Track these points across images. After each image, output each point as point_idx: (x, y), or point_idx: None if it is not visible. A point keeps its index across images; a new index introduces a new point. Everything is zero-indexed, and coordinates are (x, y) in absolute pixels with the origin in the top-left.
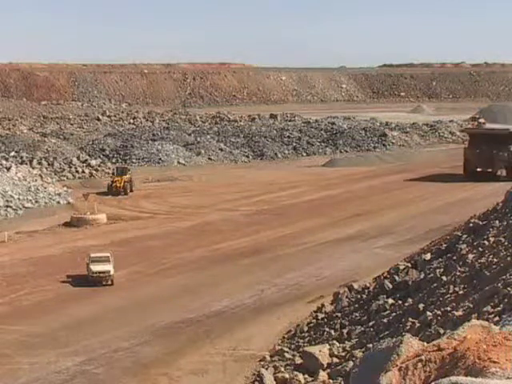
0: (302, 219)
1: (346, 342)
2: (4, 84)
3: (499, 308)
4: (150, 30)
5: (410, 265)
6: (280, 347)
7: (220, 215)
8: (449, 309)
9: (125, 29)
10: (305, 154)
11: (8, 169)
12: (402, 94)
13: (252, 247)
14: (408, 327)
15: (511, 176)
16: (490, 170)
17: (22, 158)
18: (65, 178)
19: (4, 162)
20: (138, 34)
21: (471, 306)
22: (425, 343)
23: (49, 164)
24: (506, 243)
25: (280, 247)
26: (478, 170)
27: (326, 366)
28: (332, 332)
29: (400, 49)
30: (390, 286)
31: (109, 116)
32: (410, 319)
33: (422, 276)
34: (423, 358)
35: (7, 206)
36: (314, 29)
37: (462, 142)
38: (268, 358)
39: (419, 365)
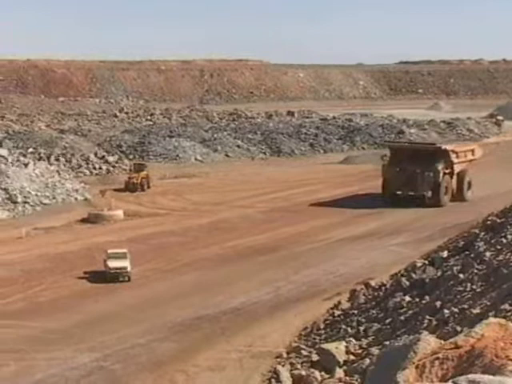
0: (317, 217)
1: (363, 339)
2: (22, 81)
3: None
4: (167, 27)
5: (427, 262)
6: (296, 344)
7: (236, 212)
8: (466, 306)
9: (142, 25)
10: (322, 151)
11: (26, 165)
12: (420, 90)
13: (268, 244)
14: (425, 325)
15: (438, 199)
16: (412, 192)
17: (39, 154)
18: (82, 175)
19: (22, 158)
20: (155, 30)
21: (488, 303)
22: (442, 341)
23: (66, 160)
24: None
25: (296, 244)
26: (399, 192)
27: (342, 363)
28: (348, 329)
29: (418, 46)
30: (407, 284)
31: (126, 113)
32: (427, 317)
33: (439, 273)
34: (440, 355)
35: (25, 202)
36: (332, 26)
37: (480, 138)
38: (284, 355)
39: (436, 362)
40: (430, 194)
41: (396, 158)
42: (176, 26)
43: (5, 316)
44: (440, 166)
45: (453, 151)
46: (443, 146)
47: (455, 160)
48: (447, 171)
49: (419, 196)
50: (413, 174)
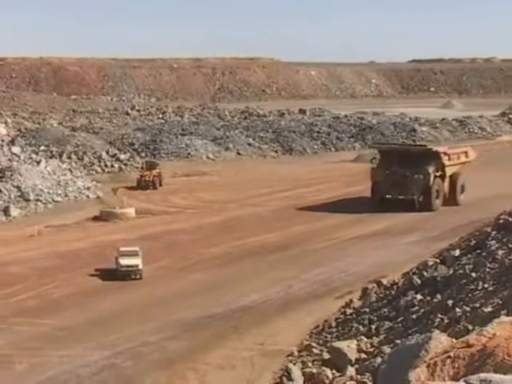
0: (328, 215)
1: (374, 337)
2: (34, 78)
3: None
4: (179, 25)
5: (438, 261)
6: (308, 342)
7: (247, 210)
8: (478, 305)
9: (153, 23)
10: (334, 150)
11: (38, 163)
12: (432, 89)
13: (279, 243)
14: (437, 323)
15: (429, 203)
16: (402, 196)
17: (51, 151)
18: (94, 172)
19: (34, 155)
20: (167, 28)
21: (500, 302)
22: (453, 340)
23: (78, 158)
24: None
25: (307, 243)
26: (388, 196)
27: (354, 361)
28: (360, 327)
29: (430, 44)
30: (419, 282)
31: (138, 110)
32: (439, 315)
33: (451, 272)
34: (452, 354)
35: (37, 200)
36: (343, 24)
37: (493, 137)
38: (296, 353)
39: (448, 361)
40: (420, 197)
41: (385, 161)
42: (188, 24)
43: (17, 313)
44: (431, 169)
45: (444, 153)
46: (434, 148)
47: (447, 162)
48: (438, 174)
49: (409, 200)
50: (402, 177)
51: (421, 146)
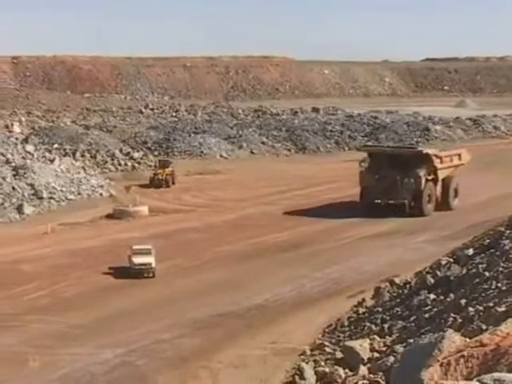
0: (340, 214)
1: (387, 336)
2: (48, 77)
3: None
4: (192, 23)
5: (452, 260)
6: (320, 341)
7: (260, 209)
8: (491, 304)
9: (167, 22)
10: (347, 148)
11: (51, 161)
12: (446, 88)
13: (291, 241)
14: (450, 323)
15: (420, 208)
16: (392, 201)
17: (65, 150)
18: (107, 171)
19: (47, 154)
20: (180, 27)
21: None
22: (467, 339)
23: (92, 156)
24: None
25: (320, 241)
26: (378, 201)
27: (366, 360)
28: (373, 327)
29: (444, 43)
30: (432, 281)
31: (151, 109)
32: (452, 315)
33: (465, 271)
34: (465, 353)
35: (50, 198)
36: (357, 22)
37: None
38: (308, 352)
39: (461, 360)
40: (411, 202)
41: (375, 164)
42: (202, 23)
43: (30, 311)
44: (422, 172)
45: (436, 156)
46: (425, 150)
47: (439, 165)
48: (430, 177)
49: (400, 205)
50: (392, 180)
51: (411, 148)
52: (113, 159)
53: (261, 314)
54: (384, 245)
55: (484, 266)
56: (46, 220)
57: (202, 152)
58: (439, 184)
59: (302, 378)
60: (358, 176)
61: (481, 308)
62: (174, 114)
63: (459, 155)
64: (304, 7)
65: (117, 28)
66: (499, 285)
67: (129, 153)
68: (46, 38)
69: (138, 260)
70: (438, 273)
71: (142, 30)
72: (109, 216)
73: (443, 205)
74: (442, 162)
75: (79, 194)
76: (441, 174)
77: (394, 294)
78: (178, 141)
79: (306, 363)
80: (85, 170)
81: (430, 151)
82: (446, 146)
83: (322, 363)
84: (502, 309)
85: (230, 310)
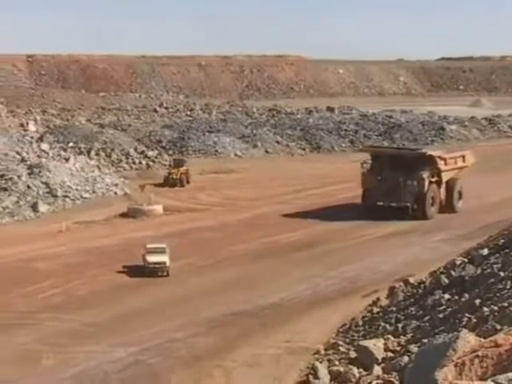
0: (354, 213)
1: (401, 336)
2: (63, 76)
3: None
4: (206, 22)
5: (466, 260)
6: (335, 341)
7: (274, 208)
8: (506, 304)
9: (181, 20)
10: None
11: (66, 159)
12: (461, 87)
13: (305, 241)
14: (464, 323)
15: (423, 211)
16: (394, 203)
17: (80, 148)
18: (122, 169)
19: (63, 152)
20: (194, 25)
21: None
22: (481, 339)
23: (106, 155)
24: None
25: (334, 241)
26: (380, 203)
27: (380, 360)
28: (387, 326)
29: (459, 42)
30: (447, 281)
31: (166, 108)
32: (467, 315)
33: (479, 271)
34: (480, 353)
35: (65, 197)
36: (372, 21)
37: None
38: (322, 352)
39: (476, 361)
40: (414, 205)
41: (377, 165)
42: (216, 21)
43: (45, 309)
44: (425, 174)
45: (440, 158)
46: (428, 152)
47: (443, 167)
48: (434, 180)
49: (402, 207)
50: (395, 183)
51: (415, 149)
52: (127, 158)
53: (275, 313)
54: (399, 244)
55: (499, 265)
56: (60, 218)
57: (216, 151)
58: (443, 186)
59: (316, 377)
60: (360, 177)
61: (495, 308)
62: (188, 112)
63: (463, 157)
64: (317, 6)
65: (132, 26)
66: None
67: (143, 151)
68: (61, 37)
69: (152, 259)
70: (453, 273)
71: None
72: (123, 215)
73: (447, 207)
74: (446, 164)
75: (94, 192)
76: (445, 176)
77: (409, 294)
78: (193, 140)
79: (320, 362)
80: (99, 168)
81: (434, 153)
82: (461, 146)
83: (336, 362)
84: None
85: (244, 308)
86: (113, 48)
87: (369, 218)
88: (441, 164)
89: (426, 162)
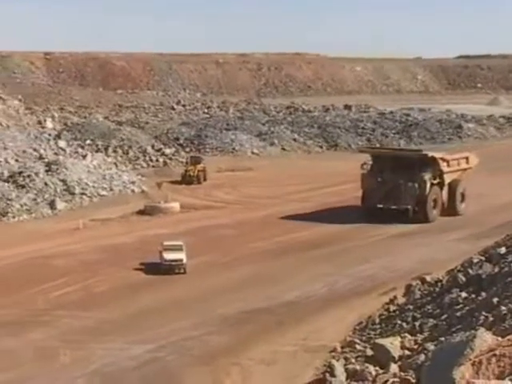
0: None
1: (418, 334)
2: (81, 73)
3: None
4: (224, 20)
5: (484, 258)
6: (351, 339)
7: (290, 206)
8: None
9: (198, 18)
10: (378, 146)
11: (84, 157)
12: (479, 85)
13: (322, 239)
14: (481, 321)
15: (424, 214)
16: (394, 206)
17: (97, 146)
18: (139, 167)
19: (80, 149)
20: (212, 23)
21: None
22: (499, 338)
23: (124, 152)
24: None
25: (350, 239)
26: (380, 206)
27: (397, 358)
28: (404, 324)
29: (477, 40)
30: (464, 280)
31: (183, 105)
32: (484, 313)
33: (497, 270)
34: (497, 352)
35: (82, 194)
36: (391, 19)
37: None
38: (339, 350)
39: (493, 359)
40: (414, 207)
41: (377, 167)
42: (232, 19)
43: (62, 306)
44: (427, 176)
45: (442, 159)
46: (430, 154)
47: (445, 169)
48: (436, 182)
49: (403, 210)
50: (396, 185)
51: (416, 150)
52: (144, 155)
53: (292, 311)
54: (415, 243)
55: None
56: (77, 216)
57: (233, 149)
58: (445, 188)
59: (333, 375)
60: (360, 179)
61: None
62: (205, 110)
63: (467, 158)
64: (335, 3)
65: (149, 24)
66: None
67: (160, 149)
68: (79, 34)
69: (169, 256)
70: (470, 271)
71: (173, 26)
72: (140, 212)
73: (449, 210)
74: (448, 166)
75: (111, 189)
76: (447, 178)
77: (426, 292)
78: (210, 137)
79: (337, 360)
80: (117, 166)
81: (436, 154)
82: (478, 144)
83: (353, 360)
84: None
85: (261, 306)
86: (130, 45)
87: (386, 215)
88: (443, 166)
89: (428, 164)
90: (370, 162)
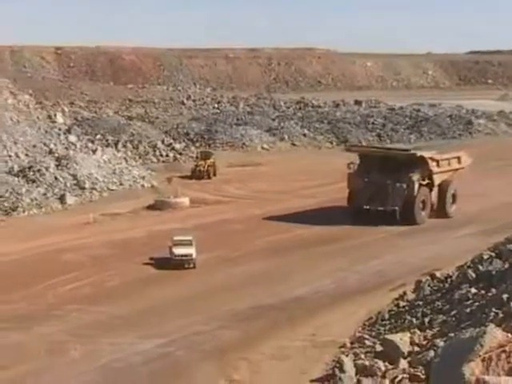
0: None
1: (428, 330)
2: (91, 68)
3: None
4: (235, 15)
5: (494, 254)
6: (360, 334)
7: (300, 201)
8: None
9: (209, 12)
10: (389, 141)
11: (94, 151)
12: (490, 81)
13: (331, 235)
14: (491, 318)
15: (412, 216)
16: (381, 207)
17: (107, 140)
18: (149, 162)
19: (90, 144)
20: (223, 18)
21: None
22: (509, 334)
23: (134, 147)
24: None
25: (360, 235)
26: (366, 207)
27: (406, 354)
28: (413, 320)
29: (488, 35)
30: (474, 276)
31: (193, 100)
32: (494, 309)
33: (507, 266)
34: (507, 349)
35: (92, 189)
36: (401, 15)
37: None
38: (348, 345)
39: (503, 356)
40: (402, 209)
41: (364, 166)
42: (242, 13)
43: (72, 301)
44: (415, 177)
45: (432, 159)
46: (419, 153)
47: (435, 169)
48: (425, 182)
49: (390, 212)
50: (383, 185)
51: (404, 150)
52: (155, 150)
53: (301, 307)
54: (426, 238)
55: None
56: (87, 210)
57: (243, 144)
58: (435, 189)
59: (342, 370)
60: (347, 179)
61: None
62: (215, 105)
63: (458, 158)
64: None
65: (159, 19)
66: None
67: (171, 144)
68: (89, 29)
69: (178, 251)
70: (480, 267)
71: (184, 20)
72: (150, 207)
73: (439, 212)
74: (438, 166)
75: (121, 184)
76: (437, 179)
77: (435, 288)
78: (220, 132)
79: (346, 356)
80: (127, 160)
81: (425, 154)
82: (489, 140)
83: (362, 356)
84: None
85: (271, 301)
86: (140, 40)
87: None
88: (432, 166)
89: (417, 164)
90: (357, 162)
